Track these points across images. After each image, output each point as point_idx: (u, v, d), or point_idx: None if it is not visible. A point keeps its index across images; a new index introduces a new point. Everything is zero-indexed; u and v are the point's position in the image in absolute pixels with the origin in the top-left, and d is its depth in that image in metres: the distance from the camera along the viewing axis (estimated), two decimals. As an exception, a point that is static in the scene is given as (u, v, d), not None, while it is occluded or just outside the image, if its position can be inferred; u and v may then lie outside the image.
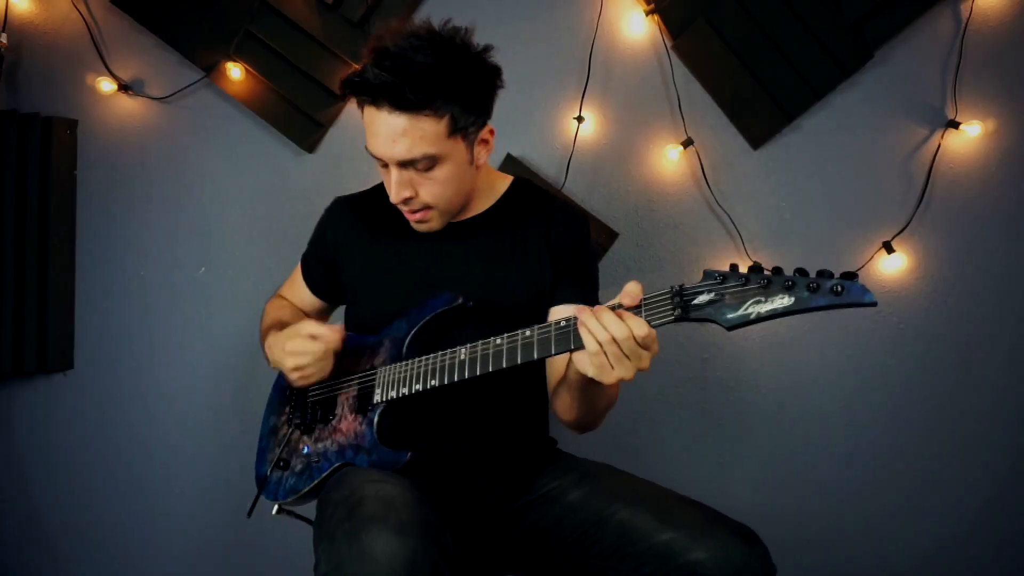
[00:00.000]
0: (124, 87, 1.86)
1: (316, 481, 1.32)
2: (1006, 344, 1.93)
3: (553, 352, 1.11)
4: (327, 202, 1.90)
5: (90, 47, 1.84)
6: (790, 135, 1.89)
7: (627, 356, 1.05)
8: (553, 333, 1.13)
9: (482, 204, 1.43)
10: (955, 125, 1.85)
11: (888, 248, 1.89)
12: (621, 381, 1.08)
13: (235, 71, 1.83)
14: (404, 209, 1.32)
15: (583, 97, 1.86)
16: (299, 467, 1.37)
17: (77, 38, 1.85)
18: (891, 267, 1.90)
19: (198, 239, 1.92)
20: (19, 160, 1.82)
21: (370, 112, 1.23)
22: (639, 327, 1.03)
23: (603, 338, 1.04)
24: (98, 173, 1.89)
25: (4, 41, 1.79)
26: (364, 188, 1.91)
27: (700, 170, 1.89)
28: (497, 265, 1.40)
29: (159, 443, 1.95)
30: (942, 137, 1.87)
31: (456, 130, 1.24)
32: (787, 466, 1.99)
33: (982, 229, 1.90)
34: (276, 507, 1.38)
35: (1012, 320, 1.92)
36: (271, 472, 1.39)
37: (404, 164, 1.24)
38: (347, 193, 1.56)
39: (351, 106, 1.87)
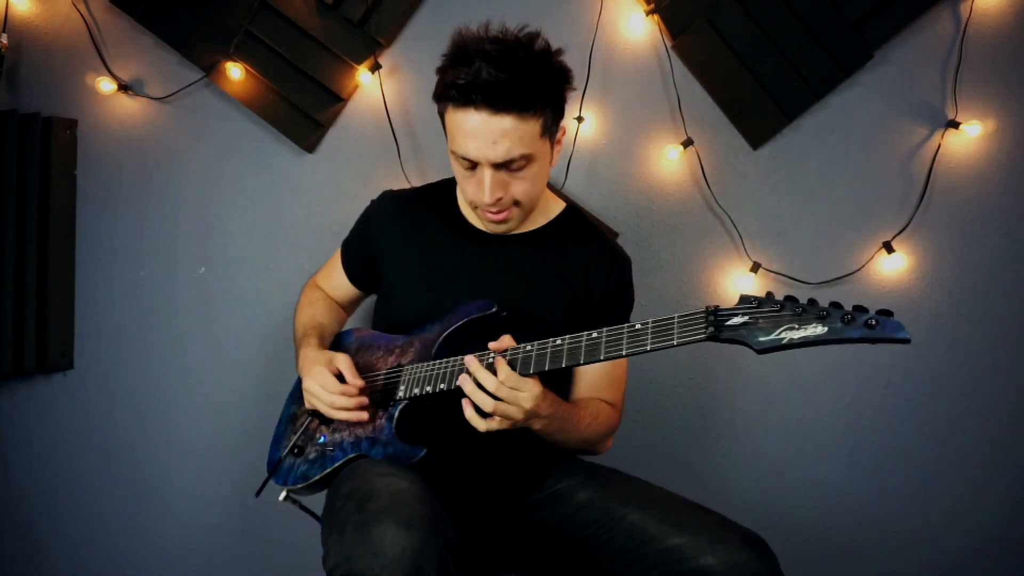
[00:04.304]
0: (124, 87, 1.86)
1: (328, 470, 1.34)
2: (1006, 344, 1.93)
3: (582, 361, 1.14)
4: (327, 202, 1.92)
5: (90, 47, 1.84)
6: (790, 135, 1.89)
7: (503, 401, 1.16)
8: (584, 344, 1.15)
9: (536, 221, 1.46)
10: (955, 125, 1.85)
11: (888, 248, 1.89)
12: (500, 427, 1.19)
13: (235, 71, 1.82)
14: (489, 209, 1.33)
15: (583, 97, 1.86)
16: (313, 455, 1.39)
17: (77, 38, 1.84)
18: (891, 267, 1.90)
19: (198, 239, 1.92)
20: (19, 160, 1.81)
21: (464, 114, 1.24)
22: (501, 373, 1.15)
23: (488, 402, 1.16)
24: (98, 173, 1.89)
25: (4, 41, 1.79)
26: (364, 189, 1.93)
27: (700, 170, 1.89)
28: (535, 282, 1.42)
29: (159, 443, 1.95)
30: (942, 137, 1.87)
31: (546, 130, 1.29)
32: (787, 467, 1.99)
33: (982, 229, 1.90)
34: (284, 493, 1.40)
35: (1012, 320, 1.92)
36: (284, 457, 1.41)
37: (499, 165, 1.26)
38: (395, 188, 1.59)
39: (351, 106, 1.88)
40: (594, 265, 1.43)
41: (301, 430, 1.42)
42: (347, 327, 1.63)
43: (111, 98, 1.87)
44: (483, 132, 1.23)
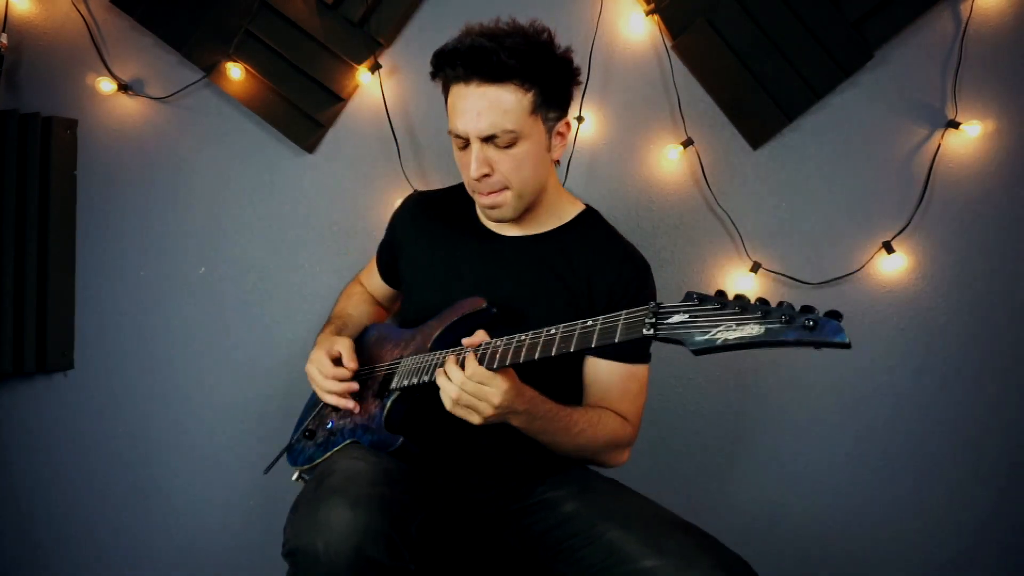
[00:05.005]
0: (124, 87, 1.86)
1: (328, 454, 1.38)
2: (1006, 344, 1.93)
3: (536, 357, 1.14)
4: (327, 202, 1.92)
5: (90, 47, 1.84)
6: (790, 135, 1.89)
7: (471, 395, 1.17)
8: (542, 340, 1.14)
9: (546, 224, 1.46)
10: (955, 125, 1.85)
11: (888, 248, 1.89)
12: (470, 420, 1.21)
13: (235, 71, 1.82)
14: (480, 190, 1.36)
15: (583, 97, 1.86)
16: (320, 439, 1.45)
17: (77, 38, 1.84)
18: (891, 267, 1.90)
19: (198, 239, 1.92)
20: (19, 160, 1.81)
21: (457, 90, 1.29)
22: (469, 368, 1.17)
23: (453, 392, 1.18)
24: (98, 173, 1.89)
25: (4, 41, 1.79)
26: (364, 189, 1.93)
27: (700, 170, 1.89)
28: (535, 283, 1.42)
29: (160, 443, 1.95)
30: (942, 137, 1.87)
31: (537, 109, 1.30)
32: (787, 467, 1.99)
33: (982, 229, 1.90)
34: (296, 473, 1.47)
35: (1012, 320, 1.92)
36: (296, 439, 1.50)
37: (486, 139, 1.29)
38: (424, 189, 1.67)
39: (351, 106, 1.89)
40: (600, 271, 1.42)
41: (315, 415, 1.50)
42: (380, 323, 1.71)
43: (111, 98, 1.87)
44: (469, 105, 1.27)
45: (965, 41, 1.84)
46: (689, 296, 0.96)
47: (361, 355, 1.46)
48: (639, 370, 1.43)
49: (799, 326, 0.85)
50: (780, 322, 0.87)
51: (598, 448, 1.39)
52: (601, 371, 1.41)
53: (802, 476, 1.98)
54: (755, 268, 1.90)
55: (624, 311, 1.05)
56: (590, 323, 1.09)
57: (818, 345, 0.85)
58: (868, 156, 1.89)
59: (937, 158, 1.87)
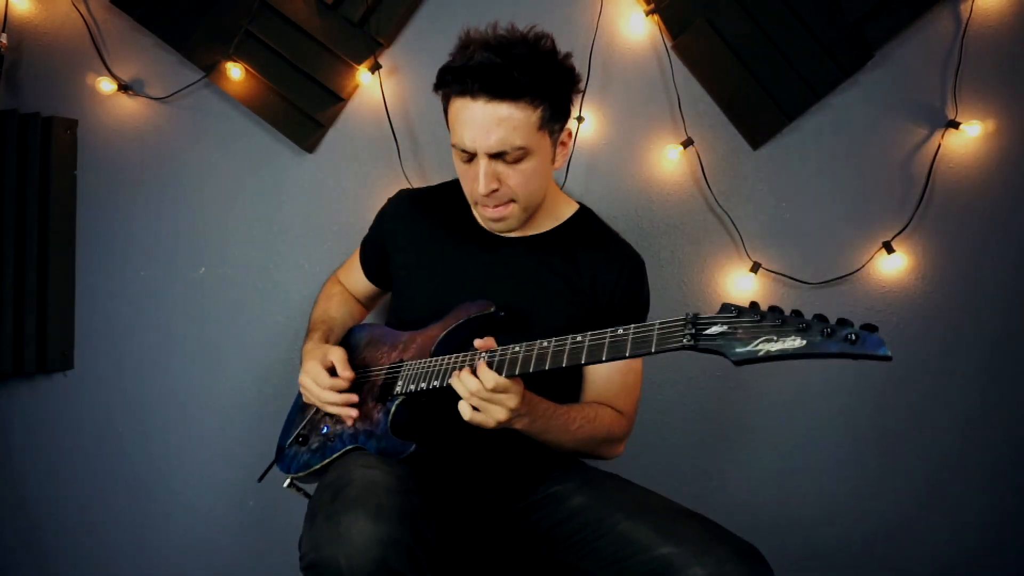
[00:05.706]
0: (124, 87, 1.86)
1: (327, 460, 1.36)
2: (1005, 343, 1.93)
3: (564, 364, 1.13)
4: (327, 202, 1.92)
5: (90, 47, 1.84)
6: (790, 135, 1.89)
7: (487, 401, 1.17)
8: (568, 347, 1.14)
9: (542, 225, 1.46)
10: (955, 125, 1.85)
11: (888, 248, 1.89)
12: (486, 425, 1.20)
13: (235, 71, 1.82)
14: (487, 203, 1.34)
15: (583, 97, 1.86)
16: (315, 444, 1.41)
17: (77, 38, 1.84)
18: (891, 267, 1.90)
19: (198, 239, 1.92)
20: (19, 160, 1.81)
21: (462, 103, 1.26)
22: (488, 380, 1.15)
23: (464, 393, 1.18)
24: (98, 173, 1.89)
25: (4, 41, 1.79)
26: (364, 189, 1.93)
27: (700, 170, 1.89)
28: (537, 285, 1.42)
29: (160, 444, 1.95)
30: (942, 137, 1.87)
31: (545, 124, 1.29)
32: (785, 467, 1.99)
33: (982, 229, 1.90)
34: (288, 480, 1.44)
35: (1012, 320, 1.92)
36: (289, 445, 1.46)
37: (495, 155, 1.27)
38: (412, 187, 1.64)
39: (351, 106, 1.88)
40: (602, 270, 1.42)
41: (306, 420, 1.46)
42: (367, 323, 1.67)
43: (111, 98, 1.87)
44: (478, 121, 1.25)
45: (965, 41, 1.84)
46: (726, 308, 0.98)
47: (352, 358, 1.43)
48: (636, 363, 1.44)
49: (841, 339, 0.88)
50: (821, 335, 0.89)
51: (596, 443, 1.40)
52: (601, 365, 1.40)
53: (803, 476, 1.98)
54: (755, 268, 1.90)
55: (657, 321, 1.04)
56: (620, 331, 1.08)
57: (858, 357, 0.86)
58: (868, 156, 1.89)
59: (937, 158, 1.87)
